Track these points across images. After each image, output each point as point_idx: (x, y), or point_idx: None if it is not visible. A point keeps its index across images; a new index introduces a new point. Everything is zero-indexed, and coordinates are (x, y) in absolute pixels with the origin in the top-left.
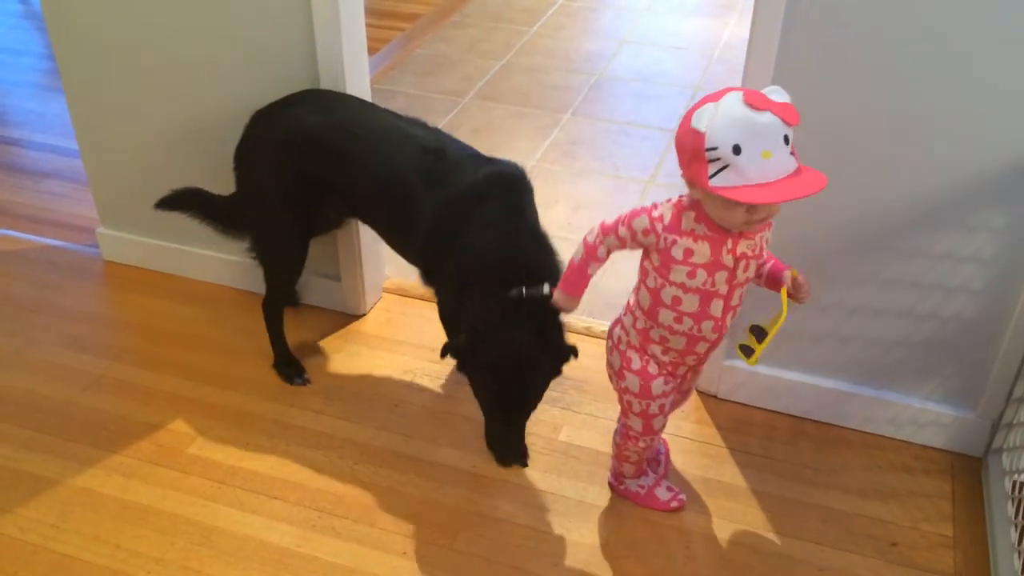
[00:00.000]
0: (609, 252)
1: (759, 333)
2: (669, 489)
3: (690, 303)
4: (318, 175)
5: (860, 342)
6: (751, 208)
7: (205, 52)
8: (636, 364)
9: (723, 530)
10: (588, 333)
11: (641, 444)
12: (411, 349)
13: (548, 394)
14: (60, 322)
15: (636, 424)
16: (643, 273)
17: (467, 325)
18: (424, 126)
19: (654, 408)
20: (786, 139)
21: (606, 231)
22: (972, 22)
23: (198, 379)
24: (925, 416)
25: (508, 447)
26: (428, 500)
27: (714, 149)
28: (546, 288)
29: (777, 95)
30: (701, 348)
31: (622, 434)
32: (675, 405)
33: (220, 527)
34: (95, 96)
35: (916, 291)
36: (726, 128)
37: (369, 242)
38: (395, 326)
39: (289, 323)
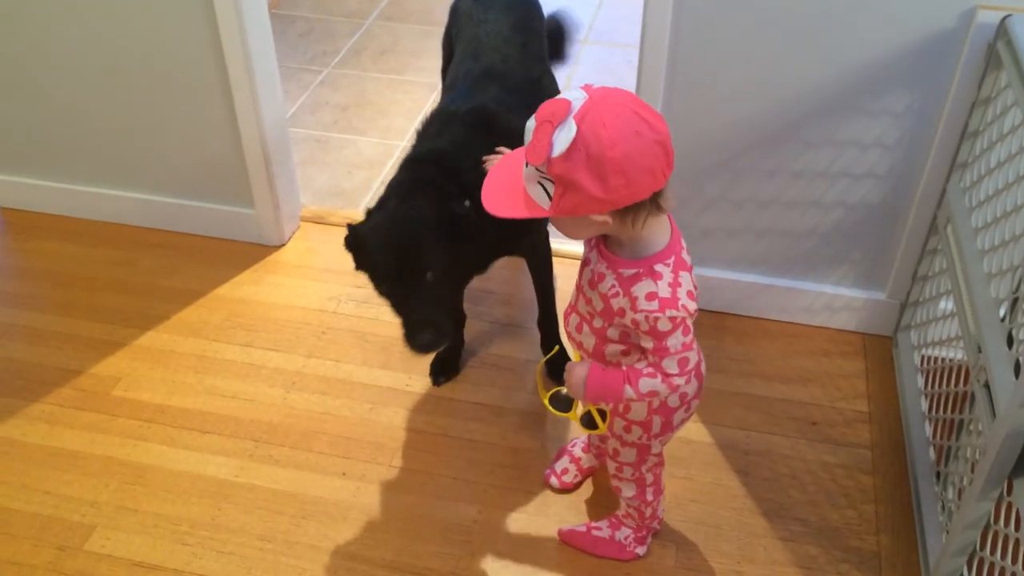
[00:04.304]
0: None
1: (588, 420)
2: (564, 469)
3: (584, 275)
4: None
5: (773, 235)
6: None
7: None
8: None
9: None
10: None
11: None
12: (334, 276)
13: (474, 308)
14: None
15: None
16: None
17: (366, 209)
18: (522, 48)
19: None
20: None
21: None
22: None
23: (115, 321)
24: (838, 301)
25: (416, 325)
26: (363, 421)
27: None
28: (467, 203)
29: (560, 131)
30: (574, 334)
31: None
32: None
33: (153, 465)
34: None
35: (824, 180)
36: None
37: (281, 167)
38: (316, 254)
39: (205, 259)
